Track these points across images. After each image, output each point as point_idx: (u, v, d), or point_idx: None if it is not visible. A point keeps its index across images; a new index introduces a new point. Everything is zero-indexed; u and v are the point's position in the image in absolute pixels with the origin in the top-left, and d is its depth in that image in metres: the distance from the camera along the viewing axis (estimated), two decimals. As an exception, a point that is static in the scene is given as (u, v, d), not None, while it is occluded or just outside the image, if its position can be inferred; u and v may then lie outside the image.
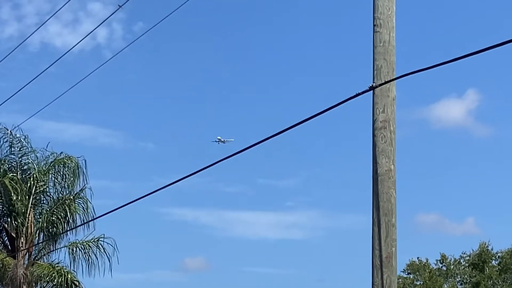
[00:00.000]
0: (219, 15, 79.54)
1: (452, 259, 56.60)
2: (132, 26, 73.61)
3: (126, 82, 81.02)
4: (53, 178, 28.39)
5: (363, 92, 10.09)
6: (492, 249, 55.84)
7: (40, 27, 21.20)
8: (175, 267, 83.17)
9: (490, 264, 55.25)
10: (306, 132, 65.79)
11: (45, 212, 27.94)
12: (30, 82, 20.30)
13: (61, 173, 28.29)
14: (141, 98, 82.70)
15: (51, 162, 28.32)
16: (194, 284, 74.40)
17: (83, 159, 28.42)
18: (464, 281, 55.93)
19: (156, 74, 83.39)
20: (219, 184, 79.98)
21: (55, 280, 26.92)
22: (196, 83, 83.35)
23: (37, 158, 28.51)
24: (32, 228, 27.55)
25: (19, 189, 27.37)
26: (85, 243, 27.72)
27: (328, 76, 78.78)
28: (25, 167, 28.44)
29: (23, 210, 27.32)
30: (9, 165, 28.38)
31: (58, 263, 27.67)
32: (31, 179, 27.82)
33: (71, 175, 28.11)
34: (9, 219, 27.58)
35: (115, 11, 16.09)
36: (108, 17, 17.33)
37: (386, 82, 10.19)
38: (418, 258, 56.50)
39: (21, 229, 27.34)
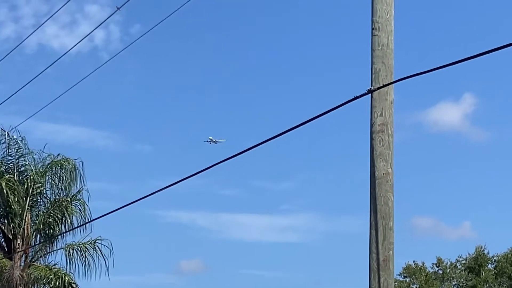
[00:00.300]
0: (216, 17, 79.70)
1: (448, 263, 56.64)
2: (129, 28, 73.67)
3: (123, 84, 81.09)
4: (50, 180, 28.39)
5: (361, 96, 10.11)
6: (488, 253, 55.93)
7: (37, 28, 21.22)
8: (171, 269, 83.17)
9: (486, 268, 55.29)
10: (303, 135, 65.86)
11: (41, 213, 27.93)
12: (27, 83, 20.31)
13: (58, 175, 28.28)
14: (138, 101, 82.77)
15: (48, 163, 28.31)
16: (190, 287, 74.42)
17: (80, 161, 28.46)
18: (460, 284, 55.95)
19: (153, 76, 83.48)
20: (215, 186, 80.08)
21: (52, 282, 26.88)
22: (193, 85, 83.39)
23: (34, 159, 28.52)
24: (29, 229, 27.54)
25: (16, 191, 27.36)
26: (81, 245, 27.69)
27: (326, 79, 78.89)
28: (22, 168, 28.43)
29: (20, 212, 27.30)
30: (6, 167, 28.37)
31: (54, 265, 27.67)
32: (28, 180, 27.81)
33: (68, 177, 28.09)
34: (5, 221, 27.57)
35: (113, 13, 16.09)
36: (106, 19, 17.33)
37: (384, 86, 10.20)
38: (414, 261, 56.56)
39: (17, 231, 27.33)
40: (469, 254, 56.10)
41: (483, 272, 54.69)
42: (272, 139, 11.23)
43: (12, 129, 28.20)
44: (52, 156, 28.49)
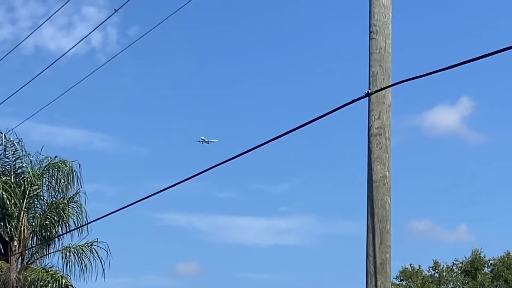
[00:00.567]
0: (214, 19, 79.67)
1: (445, 266, 56.70)
2: (127, 30, 73.61)
3: (120, 86, 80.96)
4: (47, 182, 28.38)
5: (359, 99, 10.12)
6: (484, 257, 56.01)
7: (35, 30, 21.20)
8: (168, 272, 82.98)
9: (482, 271, 55.36)
10: (301, 138, 65.75)
11: (38, 216, 27.92)
12: (24, 85, 20.29)
13: (55, 177, 28.28)
14: (135, 103, 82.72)
15: (45, 166, 28.31)
16: (187, 290, 74.32)
17: (77, 163, 28.47)
18: (457, 288, 56.05)
19: (150, 79, 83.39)
20: (212, 189, 79.97)
21: (49, 285, 26.83)
22: (191, 87, 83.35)
23: (31, 161, 28.53)
24: (26, 232, 27.52)
25: (12, 193, 27.34)
26: (78, 248, 27.68)
27: (324, 82, 78.84)
28: (19, 170, 28.43)
29: (16, 214, 27.29)
30: (3, 169, 28.37)
31: (51, 267, 27.63)
32: (25, 182, 27.80)
33: (65, 179, 28.08)
34: (2, 223, 27.54)
35: (111, 15, 16.09)
36: (104, 22, 17.32)
37: (382, 89, 10.21)
38: (410, 264, 56.63)
39: (14, 233, 27.31)
40: (465, 257, 56.23)
41: (479, 276, 54.75)
42: (269, 142, 11.24)
43: (9, 131, 28.23)
44: (49, 158, 28.51)
